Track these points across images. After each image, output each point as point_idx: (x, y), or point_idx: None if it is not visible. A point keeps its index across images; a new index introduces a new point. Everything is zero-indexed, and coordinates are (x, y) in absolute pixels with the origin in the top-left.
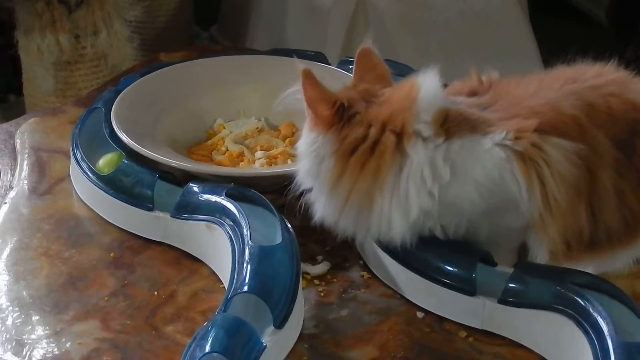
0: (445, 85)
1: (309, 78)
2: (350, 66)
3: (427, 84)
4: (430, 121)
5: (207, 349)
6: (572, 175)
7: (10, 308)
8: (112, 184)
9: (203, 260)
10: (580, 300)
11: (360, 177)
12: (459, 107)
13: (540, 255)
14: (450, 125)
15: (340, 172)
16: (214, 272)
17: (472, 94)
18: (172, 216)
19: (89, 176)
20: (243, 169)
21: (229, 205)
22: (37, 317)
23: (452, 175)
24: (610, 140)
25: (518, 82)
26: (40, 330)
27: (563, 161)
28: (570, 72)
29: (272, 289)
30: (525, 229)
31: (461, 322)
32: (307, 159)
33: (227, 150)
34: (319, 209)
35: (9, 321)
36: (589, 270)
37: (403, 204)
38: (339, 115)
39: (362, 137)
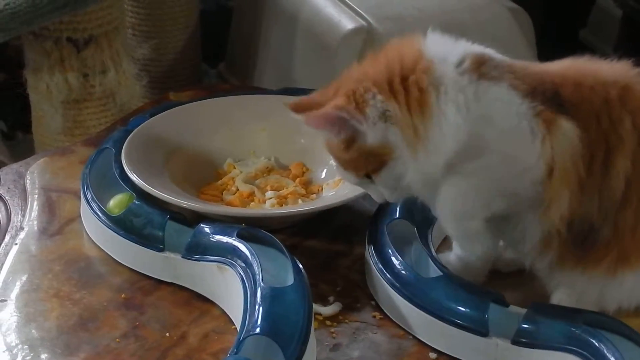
0: None
1: (300, 105)
2: None
3: (430, 37)
4: (459, 62)
5: None
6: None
7: (21, 348)
8: (122, 224)
9: (214, 301)
10: (593, 341)
11: (412, 114)
12: (489, 54)
13: (532, 236)
14: (482, 69)
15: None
16: (224, 313)
17: None
18: (183, 257)
19: (99, 217)
20: (254, 210)
21: (240, 246)
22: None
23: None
24: (638, 132)
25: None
26: None
27: (577, 142)
28: (627, 63)
29: (284, 331)
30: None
31: None
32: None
33: (238, 190)
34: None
35: None
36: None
37: (445, 132)
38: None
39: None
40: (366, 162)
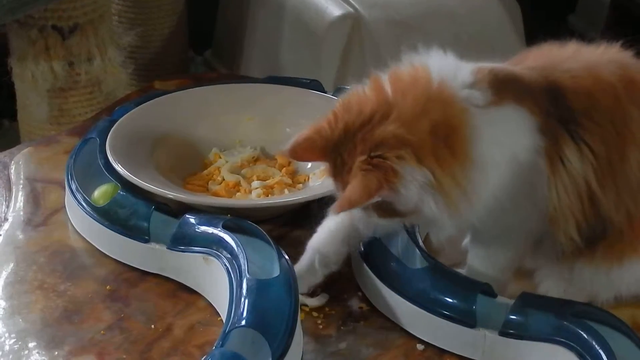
0: None
1: (297, 150)
2: None
3: (433, 58)
4: (473, 83)
5: None
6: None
7: (7, 340)
8: (107, 215)
9: (200, 292)
10: (581, 332)
11: (457, 175)
12: (497, 66)
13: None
14: (499, 86)
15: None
16: (210, 304)
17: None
18: (168, 248)
19: (84, 207)
20: (239, 200)
21: (226, 237)
22: (33, 352)
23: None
24: None
25: (554, 47)
26: None
27: (580, 165)
28: (617, 47)
29: (270, 323)
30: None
31: (462, 354)
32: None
33: (223, 180)
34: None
35: (5, 353)
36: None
37: (488, 177)
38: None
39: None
40: (380, 210)
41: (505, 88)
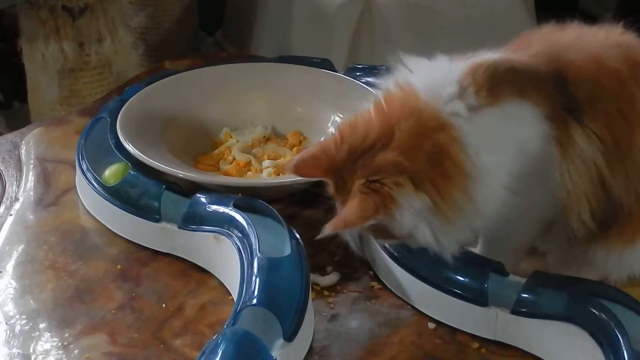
0: None
1: (302, 166)
2: (358, 73)
3: (418, 73)
4: (461, 91)
5: None
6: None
7: (18, 320)
8: (118, 195)
9: (211, 272)
10: (594, 311)
11: (449, 184)
12: (499, 58)
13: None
14: (498, 83)
15: (435, 198)
16: (221, 284)
17: None
18: (179, 227)
19: (95, 187)
20: (250, 179)
21: (237, 217)
22: (45, 331)
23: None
24: None
25: (555, 30)
26: (47, 345)
27: (588, 149)
28: (620, 29)
29: (282, 302)
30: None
31: (473, 333)
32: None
33: (234, 159)
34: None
35: (16, 334)
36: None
37: (490, 184)
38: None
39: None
40: (375, 231)
41: (504, 84)
